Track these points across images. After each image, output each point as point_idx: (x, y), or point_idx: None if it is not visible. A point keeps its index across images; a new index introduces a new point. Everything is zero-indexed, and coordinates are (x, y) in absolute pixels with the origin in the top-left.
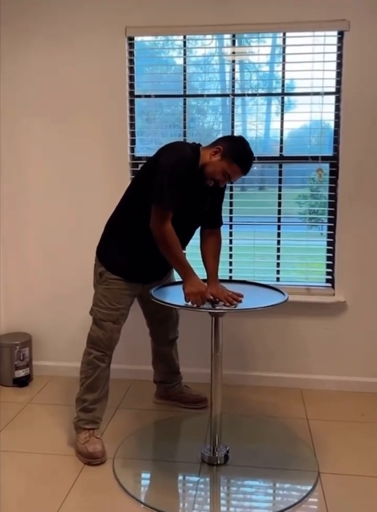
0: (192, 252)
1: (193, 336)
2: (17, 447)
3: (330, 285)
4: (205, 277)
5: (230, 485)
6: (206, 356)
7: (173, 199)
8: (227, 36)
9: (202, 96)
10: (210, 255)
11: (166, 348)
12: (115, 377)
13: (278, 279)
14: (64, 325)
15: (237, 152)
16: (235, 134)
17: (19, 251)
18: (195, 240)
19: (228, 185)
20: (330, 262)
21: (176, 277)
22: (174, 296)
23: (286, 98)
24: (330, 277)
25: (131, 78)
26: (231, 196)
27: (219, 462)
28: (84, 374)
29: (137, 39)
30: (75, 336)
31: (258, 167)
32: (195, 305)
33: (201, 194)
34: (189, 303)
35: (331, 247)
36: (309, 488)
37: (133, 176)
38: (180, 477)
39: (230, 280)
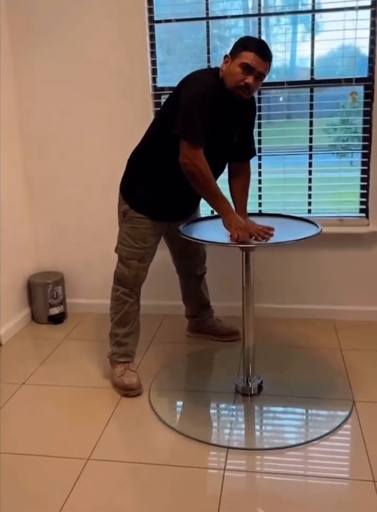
0: (220, 186)
1: (224, 270)
2: (55, 381)
3: (364, 214)
4: None
5: (264, 414)
6: (237, 290)
7: (202, 131)
8: None
9: (226, 17)
10: (239, 190)
11: (195, 284)
12: (148, 313)
13: (309, 211)
14: (95, 264)
15: (240, 42)
16: None
17: (48, 192)
18: (223, 175)
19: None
20: (364, 191)
21: (203, 214)
22: (203, 231)
23: (316, 15)
24: (364, 207)
25: (150, 2)
26: (260, 125)
27: (252, 392)
28: (113, 309)
29: None
30: (106, 274)
31: (288, 93)
32: (236, 241)
33: (230, 124)
34: (232, 240)
35: (365, 176)
36: (345, 416)
37: (156, 109)
38: (215, 407)
39: (260, 214)
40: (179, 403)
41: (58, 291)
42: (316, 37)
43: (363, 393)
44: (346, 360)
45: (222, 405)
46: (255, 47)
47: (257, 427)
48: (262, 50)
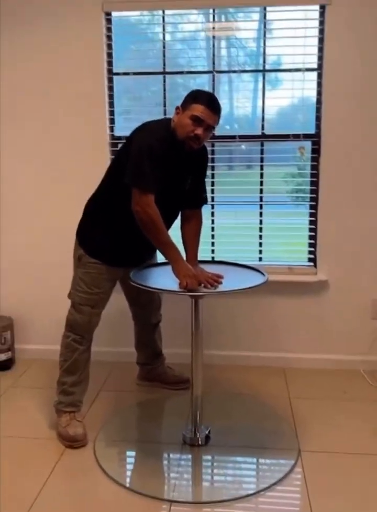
0: (172, 233)
1: (177, 317)
2: None
3: (312, 263)
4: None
5: (211, 465)
6: (188, 337)
7: (152, 179)
8: (204, 11)
9: (182, 72)
10: (190, 237)
11: (149, 331)
12: (98, 359)
13: (260, 258)
14: (45, 308)
15: (191, 94)
16: None
17: (1, 235)
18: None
19: (211, 145)
20: (312, 241)
21: (160, 259)
22: (155, 278)
23: (267, 75)
24: (312, 256)
25: (109, 55)
26: (213, 176)
27: (200, 442)
28: (63, 356)
29: (115, 14)
30: (58, 319)
31: (239, 145)
32: (185, 289)
33: (182, 173)
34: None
35: (313, 226)
36: (289, 466)
37: (112, 157)
38: (161, 459)
39: (210, 261)
40: (125, 455)
41: (6, 337)
42: (267, 95)
43: (309, 442)
44: (294, 408)
45: (169, 457)
46: (205, 100)
47: (202, 479)
48: (211, 103)
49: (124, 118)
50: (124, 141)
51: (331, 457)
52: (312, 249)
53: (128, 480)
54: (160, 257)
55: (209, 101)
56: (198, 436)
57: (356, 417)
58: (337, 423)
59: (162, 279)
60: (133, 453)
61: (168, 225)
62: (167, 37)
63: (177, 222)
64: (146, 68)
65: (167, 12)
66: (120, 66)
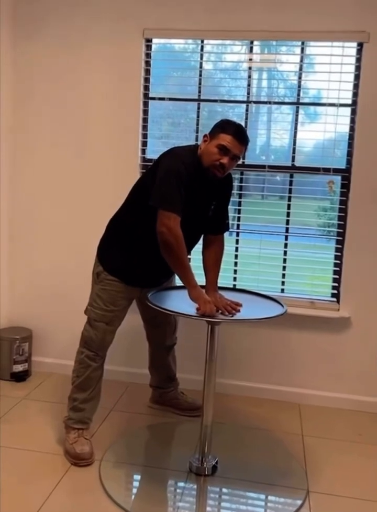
0: (193, 258)
1: (193, 342)
2: (5, 443)
3: (335, 299)
4: (203, 283)
5: (215, 497)
6: (203, 363)
7: (178, 202)
8: (245, 42)
9: (216, 101)
10: (211, 262)
11: (163, 354)
12: (113, 379)
13: (282, 290)
14: (65, 323)
15: (220, 124)
16: None
17: (25, 248)
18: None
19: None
20: (337, 276)
21: (176, 282)
22: (173, 301)
23: (303, 108)
24: (335, 291)
25: (146, 80)
26: (239, 203)
27: (206, 472)
28: (76, 372)
29: (159, 41)
30: (76, 334)
31: (269, 175)
32: (202, 313)
33: (206, 199)
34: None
35: (338, 261)
36: (296, 507)
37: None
38: (166, 485)
39: (230, 288)
40: (130, 477)
41: (24, 348)
42: (299, 127)
43: (319, 483)
44: (306, 447)
45: (173, 485)
46: (233, 131)
47: (205, 510)
48: (239, 134)
49: (163, 141)
50: (152, 163)
51: (340, 500)
52: (336, 284)
53: (127, 503)
54: (177, 281)
55: (236, 131)
56: (205, 466)
57: (369, 461)
58: (349, 465)
59: (180, 302)
60: (137, 477)
61: (188, 251)
62: (210, 66)
63: (199, 247)
64: (186, 94)
65: (210, 41)
66: (161, 91)
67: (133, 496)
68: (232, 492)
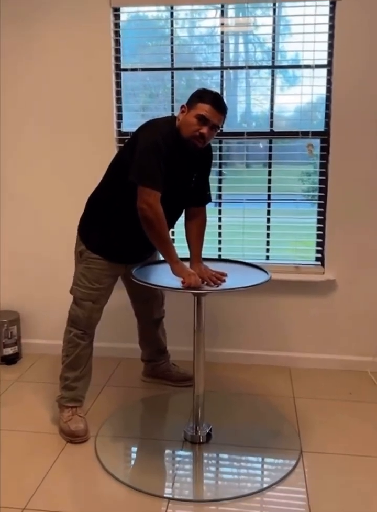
0: (177, 230)
1: (181, 314)
2: (0, 425)
3: (319, 263)
4: (188, 256)
5: (211, 463)
6: (192, 334)
7: (158, 178)
8: (217, 6)
9: (189, 68)
10: (194, 235)
11: (152, 328)
12: (104, 355)
13: (267, 257)
14: (52, 304)
15: (197, 93)
16: None
17: (10, 231)
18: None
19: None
20: (320, 240)
21: (160, 257)
22: (158, 275)
23: (278, 72)
24: (320, 255)
25: (117, 51)
26: (220, 173)
27: (201, 440)
28: (65, 352)
29: (129, 9)
30: (64, 314)
31: (250, 143)
32: (187, 286)
33: (186, 171)
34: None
35: (321, 225)
36: (291, 467)
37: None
38: (162, 456)
39: (215, 259)
40: (126, 451)
41: (13, 331)
42: (275, 91)
43: (312, 443)
44: (298, 409)
45: (169, 454)
46: (211, 99)
47: (203, 477)
48: (217, 103)
49: (141, 114)
50: (129, 137)
51: (333, 458)
52: (320, 248)
53: (125, 477)
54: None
55: (214, 100)
56: (199, 434)
57: (360, 419)
58: (341, 424)
59: (165, 276)
60: (134, 450)
61: (171, 224)
62: (184, 33)
63: (182, 220)
64: (161, 64)
65: (183, 8)
66: (135, 62)
67: (129, 469)
68: (227, 458)
